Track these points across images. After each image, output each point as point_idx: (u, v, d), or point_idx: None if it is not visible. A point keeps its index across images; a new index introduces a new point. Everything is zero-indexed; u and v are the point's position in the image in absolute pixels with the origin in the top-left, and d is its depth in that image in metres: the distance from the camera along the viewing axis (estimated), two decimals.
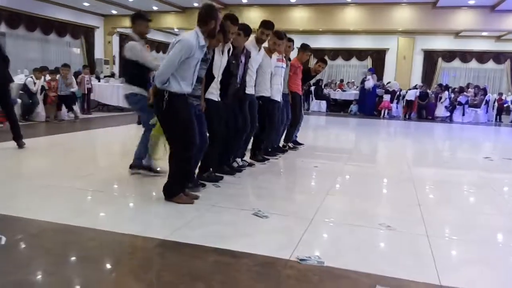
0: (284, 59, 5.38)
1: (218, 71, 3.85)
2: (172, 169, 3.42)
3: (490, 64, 16.86)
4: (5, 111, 5.92)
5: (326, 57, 6.44)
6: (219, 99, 3.97)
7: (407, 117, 13.77)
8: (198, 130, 3.45)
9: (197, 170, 3.97)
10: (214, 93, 3.89)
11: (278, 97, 5.26)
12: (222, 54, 3.84)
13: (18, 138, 5.66)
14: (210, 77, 3.79)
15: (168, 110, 3.23)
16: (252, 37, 4.51)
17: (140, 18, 4.25)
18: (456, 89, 14.29)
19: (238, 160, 4.71)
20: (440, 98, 13.65)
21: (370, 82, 14.00)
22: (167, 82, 3.20)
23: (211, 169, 4.20)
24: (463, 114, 13.57)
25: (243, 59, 4.26)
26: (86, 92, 10.71)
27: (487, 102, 13.76)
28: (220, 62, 3.84)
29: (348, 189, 4.50)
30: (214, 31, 3.32)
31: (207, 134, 3.76)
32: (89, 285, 2.10)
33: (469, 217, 3.56)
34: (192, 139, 3.34)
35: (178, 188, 3.44)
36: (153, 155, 4.19)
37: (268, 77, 4.97)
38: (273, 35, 4.72)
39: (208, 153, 3.91)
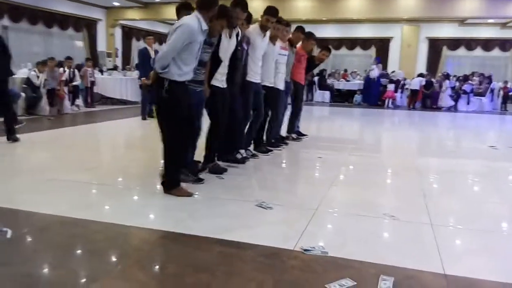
0: (287, 47, 5.33)
1: (225, 54, 3.78)
2: (169, 159, 3.36)
3: (496, 52, 16.70)
4: (1, 104, 5.65)
5: (330, 46, 6.31)
6: (224, 86, 3.92)
7: (411, 106, 13.68)
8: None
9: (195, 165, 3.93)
10: (219, 79, 3.84)
11: (282, 86, 5.24)
12: (230, 38, 3.79)
13: (10, 133, 5.53)
14: (216, 62, 3.72)
15: (168, 98, 3.20)
16: (256, 24, 4.49)
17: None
18: (461, 78, 14.17)
19: (242, 151, 4.70)
20: (441, 87, 13.54)
21: (375, 72, 13.91)
22: (167, 67, 3.16)
23: (216, 159, 4.18)
24: (468, 103, 13.46)
25: (245, 46, 4.23)
26: (89, 85, 10.64)
27: (492, 91, 13.65)
28: (228, 45, 3.78)
29: (352, 179, 4.49)
30: (214, 14, 3.36)
31: (209, 122, 3.79)
32: (96, 277, 2.12)
33: (473, 206, 3.56)
34: (192, 126, 3.37)
35: (177, 180, 3.41)
36: None
37: (271, 65, 4.92)
38: (276, 21, 4.68)
39: (211, 143, 3.87)
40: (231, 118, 4.11)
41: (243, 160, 4.55)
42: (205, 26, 3.24)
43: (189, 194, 3.36)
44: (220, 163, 4.28)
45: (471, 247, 2.70)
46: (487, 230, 2.97)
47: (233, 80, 4.02)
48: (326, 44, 16.99)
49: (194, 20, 3.19)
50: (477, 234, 2.91)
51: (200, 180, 3.73)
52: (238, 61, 4.07)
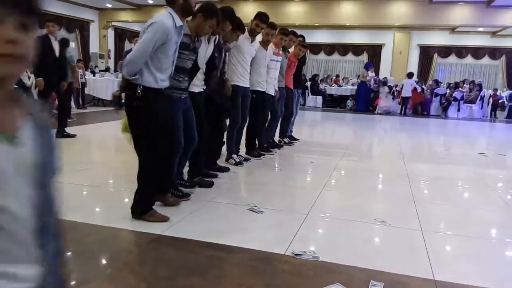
0: (280, 52, 5.36)
1: (203, 61, 3.52)
2: (144, 179, 2.88)
3: (486, 60, 16.94)
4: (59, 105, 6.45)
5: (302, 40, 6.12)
6: (203, 90, 3.64)
7: (403, 112, 13.79)
8: (185, 128, 3.06)
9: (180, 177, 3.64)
10: (198, 84, 3.54)
11: (272, 91, 5.25)
12: (208, 43, 3.50)
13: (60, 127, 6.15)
14: (194, 68, 3.38)
15: (143, 107, 2.70)
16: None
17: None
18: (451, 85, 14.34)
19: (235, 156, 4.71)
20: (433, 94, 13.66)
21: (371, 76, 13.97)
22: (136, 74, 2.69)
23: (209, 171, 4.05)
24: (458, 110, 13.61)
25: (223, 52, 4.03)
26: (79, 86, 10.59)
27: (482, 98, 13.82)
28: (205, 52, 3.49)
29: (344, 184, 4.52)
30: (186, 5, 2.83)
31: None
32: (86, 280, 2.11)
33: (463, 212, 3.59)
34: (176, 141, 2.90)
35: (150, 203, 2.93)
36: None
37: (262, 71, 4.93)
38: (267, 26, 4.70)
39: (197, 153, 3.57)
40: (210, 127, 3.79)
41: (209, 185, 3.87)
42: (179, 22, 2.79)
43: (165, 219, 2.89)
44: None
45: (460, 253, 2.73)
46: (476, 236, 3.00)
47: (208, 86, 3.73)
48: (319, 50, 17.21)
49: (167, 17, 2.75)
50: (467, 240, 2.94)
51: (187, 196, 3.39)
52: (214, 69, 3.82)
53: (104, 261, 2.38)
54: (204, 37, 3.39)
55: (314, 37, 16.40)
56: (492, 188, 4.53)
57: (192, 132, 3.27)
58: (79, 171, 4.25)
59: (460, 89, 13.92)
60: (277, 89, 5.41)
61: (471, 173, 5.26)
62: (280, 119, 5.97)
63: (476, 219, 3.41)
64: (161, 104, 2.77)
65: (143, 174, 2.89)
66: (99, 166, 4.74)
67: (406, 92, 13.60)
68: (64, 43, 7.42)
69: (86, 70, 11.84)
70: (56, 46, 6.07)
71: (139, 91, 2.68)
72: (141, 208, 2.89)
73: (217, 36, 3.73)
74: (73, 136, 6.24)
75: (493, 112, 13.91)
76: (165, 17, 2.76)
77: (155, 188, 2.99)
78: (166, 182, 3.13)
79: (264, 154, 5.33)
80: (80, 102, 10.69)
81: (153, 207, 2.96)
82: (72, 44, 14.96)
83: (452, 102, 13.67)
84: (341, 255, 2.50)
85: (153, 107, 2.72)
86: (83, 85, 10.76)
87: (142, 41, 2.69)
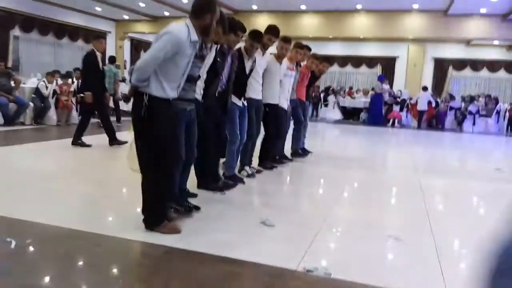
0: (295, 67, 5.39)
1: (204, 69, 3.45)
2: (150, 190, 2.85)
3: (502, 73, 16.71)
4: (100, 118, 6.83)
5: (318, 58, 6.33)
6: (201, 100, 3.56)
7: (418, 126, 13.63)
8: (186, 141, 2.99)
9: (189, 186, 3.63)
10: (198, 92, 3.45)
11: (285, 105, 5.26)
12: (210, 50, 3.43)
13: (112, 140, 6.46)
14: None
15: (148, 117, 2.68)
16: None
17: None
18: (466, 98, 14.18)
19: (247, 168, 4.71)
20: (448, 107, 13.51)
21: (385, 87, 13.90)
22: (146, 81, 2.67)
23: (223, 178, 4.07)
24: (474, 124, 13.43)
25: (229, 59, 3.91)
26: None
27: (498, 112, 13.62)
28: (208, 59, 3.44)
29: (357, 198, 4.48)
30: (209, 28, 2.81)
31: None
32: None
33: (479, 229, 3.52)
34: (178, 153, 2.84)
35: (161, 214, 2.91)
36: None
37: (276, 84, 4.94)
38: (280, 39, 4.73)
39: (208, 162, 3.58)
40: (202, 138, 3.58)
41: (222, 188, 3.97)
42: (195, 37, 2.73)
43: (177, 231, 2.89)
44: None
45: (476, 272, 2.67)
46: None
47: (207, 94, 3.64)
48: (332, 62, 17.17)
49: (182, 29, 2.69)
50: (482, 258, 2.87)
51: (190, 210, 3.30)
52: (216, 75, 3.72)
53: (115, 273, 2.38)
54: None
55: (328, 49, 16.40)
56: (508, 204, 4.44)
57: (192, 147, 3.21)
58: (93, 181, 4.29)
59: (475, 102, 13.75)
60: (289, 103, 5.43)
61: (487, 188, 5.17)
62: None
63: (492, 236, 3.33)
64: (165, 114, 2.74)
65: (146, 185, 2.86)
66: (112, 176, 4.78)
67: (422, 106, 13.48)
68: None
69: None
70: (100, 61, 6.29)
71: (146, 101, 2.66)
72: (152, 220, 2.87)
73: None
74: (89, 145, 6.30)
75: (509, 127, 13.65)
76: (180, 28, 2.70)
77: (159, 200, 2.90)
78: (168, 194, 3.04)
79: (276, 166, 5.33)
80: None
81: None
82: None
83: (468, 116, 13.51)
84: (354, 271, 2.47)
85: (157, 117, 2.70)
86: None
87: (153, 49, 2.68)
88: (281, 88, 5.07)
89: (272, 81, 4.87)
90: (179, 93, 2.88)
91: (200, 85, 3.47)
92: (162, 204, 2.94)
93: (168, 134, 2.78)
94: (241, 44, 4.20)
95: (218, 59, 3.63)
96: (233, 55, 3.98)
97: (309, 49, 5.65)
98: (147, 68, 2.65)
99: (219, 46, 3.61)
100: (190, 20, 2.78)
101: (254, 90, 4.51)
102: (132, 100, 2.87)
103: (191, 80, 3.03)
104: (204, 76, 3.49)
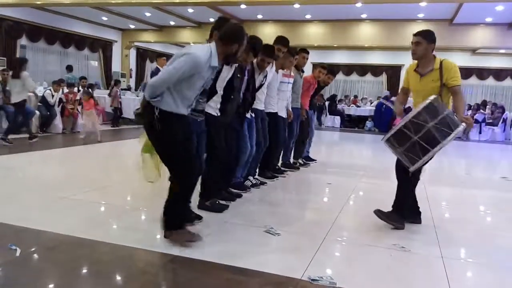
0: (292, 74, 5.35)
1: (222, 84, 3.49)
2: (171, 199, 2.85)
3: (508, 82, 16.66)
4: None
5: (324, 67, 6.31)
6: (218, 115, 3.59)
7: None
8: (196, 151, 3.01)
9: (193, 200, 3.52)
10: (213, 107, 3.51)
11: (284, 113, 5.24)
12: (231, 66, 3.45)
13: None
14: (211, 91, 3.36)
15: (161, 131, 2.69)
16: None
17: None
18: (473, 106, 14.11)
19: (251, 177, 4.69)
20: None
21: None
22: (158, 97, 2.67)
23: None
24: (480, 132, 13.36)
25: (246, 74, 3.96)
26: (119, 106, 11.07)
27: (504, 120, 13.54)
28: (227, 75, 3.48)
29: (362, 207, 4.44)
30: (234, 57, 2.86)
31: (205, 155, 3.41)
32: None
33: (485, 239, 3.49)
34: (192, 164, 2.84)
35: (178, 220, 2.92)
36: (144, 176, 3.40)
37: (275, 93, 4.93)
38: (287, 52, 4.73)
39: (209, 176, 3.54)
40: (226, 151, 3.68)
41: (221, 209, 3.76)
42: (215, 63, 2.72)
43: (194, 239, 2.88)
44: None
45: (482, 282, 2.64)
46: (499, 264, 2.91)
47: (226, 111, 3.66)
48: (337, 70, 17.12)
49: (205, 52, 2.69)
50: (489, 268, 2.85)
51: (199, 218, 3.33)
52: (236, 92, 3.76)
53: (119, 281, 2.38)
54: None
55: (333, 57, 16.45)
56: None
57: (200, 157, 3.19)
58: (98, 188, 4.30)
59: (481, 111, 13.69)
60: (290, 109, 5.40)
61: (494, 197, 5.13)
62: (295, 140, 5.94)
63: (499, 246, 3.31)
64: (178, 127, 2.73)
65: (170, 194, 2.84)
66: (117, 183, 4.79)
67: None
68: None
69: (107, 89, 12.12)
70: None
71: (157, 113, 2.64)
72: (170, 223, 2.85)
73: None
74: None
75: None
76: (202, 51, 2.68)
77: (180, 209, 2.90)
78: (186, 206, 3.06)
79: (277, 176, 5.30)
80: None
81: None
82: (95, 63, 15.38)
83: (474, 125, 13.43)
84: (359, 281, 2.45)
85: (170, 129, 2.70)
86: (120, 104, 11.21)
87: (170, 69, 2.65)
88: (278, 96, 5.06)
89: (271, 90, 4.86)
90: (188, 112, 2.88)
91: (216, 100, 3.49)
92: (179, 213, 2.91)
93: (183, 146, 2.76)
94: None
95: (238, 75, 3.66)
96: (248, 70, 4.01)
97: (307, 52, 5.63)
98: (161, 86, 2.65)
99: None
100: (216, 44, 2.77)
101: (260, 101, 4.52)
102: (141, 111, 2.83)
103: (203, 92, 3.00)
104: (221, 92, 3.50)
